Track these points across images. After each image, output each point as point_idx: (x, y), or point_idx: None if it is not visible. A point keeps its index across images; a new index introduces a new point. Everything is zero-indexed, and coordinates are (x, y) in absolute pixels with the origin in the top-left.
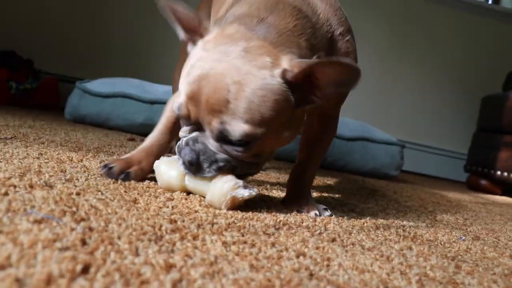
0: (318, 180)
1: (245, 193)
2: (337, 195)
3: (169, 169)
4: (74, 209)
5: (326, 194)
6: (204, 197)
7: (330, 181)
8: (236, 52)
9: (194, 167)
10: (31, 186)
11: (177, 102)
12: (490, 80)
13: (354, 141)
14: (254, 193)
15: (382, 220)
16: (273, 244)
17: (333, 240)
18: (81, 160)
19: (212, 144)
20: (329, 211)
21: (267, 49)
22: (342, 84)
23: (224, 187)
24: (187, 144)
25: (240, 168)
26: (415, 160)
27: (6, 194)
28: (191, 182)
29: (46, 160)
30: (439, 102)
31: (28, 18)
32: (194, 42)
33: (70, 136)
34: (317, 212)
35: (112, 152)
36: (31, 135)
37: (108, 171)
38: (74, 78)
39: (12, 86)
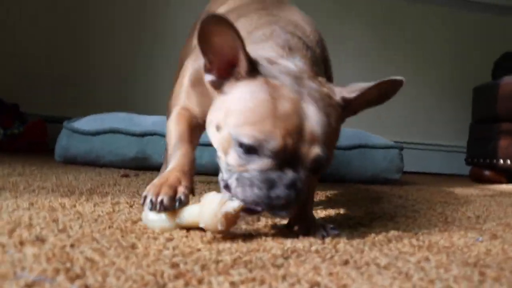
0: (320, 195)
1: (234, 204)
2: (341, 209)
3: (151, 213)
4: (68, 264)
5: (330, 209)
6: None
7: (332, 194)
8: (307, 86)
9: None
10: (22, 243)
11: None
12: (479, 71)
13: (351, 149)
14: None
15: (392, 230)
16: (283, 277)
17: (346, 262)
18: (74, 206)
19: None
20: (336, 229)
21: (319, 80)
22: (382, 98)
23: (212, 207)
24: (291, 185)
25: None
26: (415, 160)
27: None
28: (181, 218)
29: (37, 210)
30: (431, 99)
31: (10, 63)
32: (233, 74)
33: (62, 180)
34: (324, 233)
35: (106, 192)
36: (21, 184)
37: (161, 205)
38: (61, 118)
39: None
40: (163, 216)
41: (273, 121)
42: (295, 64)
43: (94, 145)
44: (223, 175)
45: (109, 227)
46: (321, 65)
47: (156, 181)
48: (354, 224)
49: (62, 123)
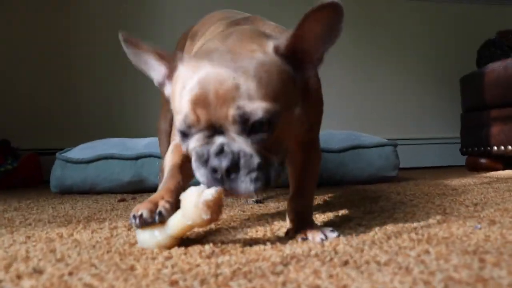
0: (318, 199)
1: (211, 190)
2: (340, 211)
3: (143, 233)
4: None
5: (330, 213)
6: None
7: (330, 197)
8: (224, 51)
9: (231, 176)
10: (19, 277)
11: (179, 115)
12: (464, 61)
13: (345, 151)
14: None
15: (391, 227)
16: (283, 284)
17: (346, 263)
18: (72, 234)
19: (242, 143)
20: (335, 231)
21: (248, 41)
22: (330, 31)
23: (191, 200)
24: (219, 151)
25: (271, 171)
26: (410, 156)
27: None
28: (170, 227)
29: (34, 243)
30: (420, 93)
31: None
32: (171, 77)
33: (58, 210)
34: (323, 237)
35: (104, 218)
36: (17, 218)
37: (141, 219)
38: (54, 150)
39: None
40: (154, 232)
41: (182, 100)
42: (221, 42)
43: (89, 173)
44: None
45: (108, 252)
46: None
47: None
48: (354, 225)
49: (55, 154)
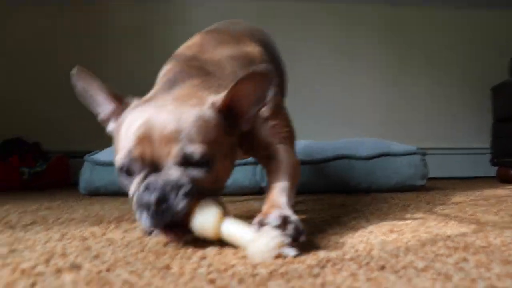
0: (348, 207)
1: (290, 252)
2: (371, 218)
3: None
4: (107, 287)
5: (360, 219)
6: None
7: (360, 205)
8: (168, 101)
9: (162, 208)
10: (59, 271)
11: (123, 150)
12: (494, 69)
13: (373, 159)
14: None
15: (425, 234)
16: (323, 286)
17: (383, 267)
18: (104, 234)
19: (174, 173)
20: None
21: (190, 95)
22: (257, 95)
23: (269, 244)
24: (146, 188)
25: (203, 193)
26: (438, 166)
27: (34, 284)
28: (227, 231)
29: (69, 240)
30: (450, 102)
31: (29, 103)
32: (116, 116)
33: (89, 211)
34: (278, 219)
35: (133, 219)
36: (50, 217)
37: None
38: (83, 152)
39: (24, 172)
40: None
41: (128, 139)
42: (171, 90)
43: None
44: None
45: (141, 251)
46: (220, 86)
47: None
48: (386, 232)
49: (83, 157)
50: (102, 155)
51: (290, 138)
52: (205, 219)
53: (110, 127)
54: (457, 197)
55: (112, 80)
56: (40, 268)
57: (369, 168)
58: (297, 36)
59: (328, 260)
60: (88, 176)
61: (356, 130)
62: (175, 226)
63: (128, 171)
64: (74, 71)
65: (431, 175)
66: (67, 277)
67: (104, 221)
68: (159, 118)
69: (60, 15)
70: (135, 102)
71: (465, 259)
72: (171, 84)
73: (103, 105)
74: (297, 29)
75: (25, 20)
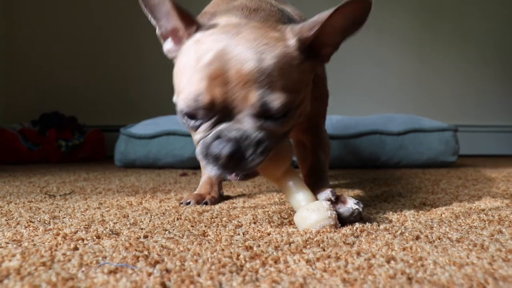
0: (379, 181)
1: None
2: (403, 192)
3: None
4: (146, 252)
5: (392, 192)
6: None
7: (391, 180)
8: (248, 28)
9: (234, 161)
10: (98, 237)
11: (189, 92)
12: None
13: (404, 134)
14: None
15: (458, 208)
16: (358, 253)
17: (417, 237)
18: (141, 203)
19: (250, 125)
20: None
21: (272, 27)
22: (353, 24)
23: (321, 221)
24: (217, 137)
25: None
26: (470, 143)
27: (76, 248)
28: (289, 185)
29: (107, 209)
30: (482, 78)
31: (65, 78)
32: (181, 39)
33: (125, 182)
34: (353, 204)
35: (169, 189)
36: (88, 187)
37: (187, 206)
38: (117, 126)
39: (61, 145)
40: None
41: (197, 76)
42: (245, 18)
43: (152, 149)
44: None
45: (178, 219)
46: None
47: (195, 192)
48: (419, 204)
49: (118, 131)
50: (137, 128)
51: (325, 115)
52: (272, 162)
53: (168, 46)
54: (489, 173)
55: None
56: (80, 234)
57: (400, 143)
58: (322, 7)
59: (362, 230)
60: (123, 148)
61: (387, 106)
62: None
63: (192, 117)
64: None
65: (462, 152)
66: (107, 242)
67: (140, 192)
68: (236, 52)
69: None
70: (206, 25)
71: (500, 232)
72: (251, 12)
73: (167, 18)
74: (324, 2)
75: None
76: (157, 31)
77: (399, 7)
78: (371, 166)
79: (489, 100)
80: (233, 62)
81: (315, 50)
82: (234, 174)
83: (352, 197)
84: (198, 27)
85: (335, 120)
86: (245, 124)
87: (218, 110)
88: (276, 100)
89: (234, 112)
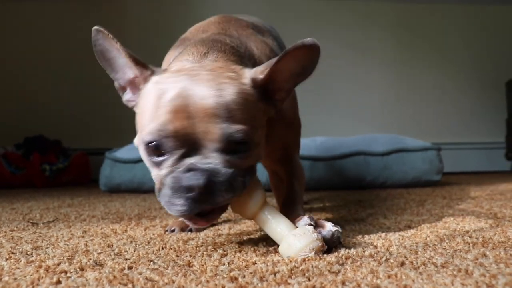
0: (365, 203)
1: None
2: (388, 214)
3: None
4: (130, 286)
5: (377, 215)
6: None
7: (376, 201)
8: (202, 72)
9: (207, 194)
10: (82, 269)
11: (154, 123)
12: (508, 64)
13: (388, 154)
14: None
15: (443, 230)
16: (343, 283)
17: (402, 264)
18: (126, 231)
19: (217, 160)
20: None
21: (225, 68)
22: (304, 69)
23: (306, 247)
24: (189, 170)
25: (243, 181)
26: (453, 160)
27: (58, 282)
28: (265, 218)
29: (91, 238)
30: (464, 97)
31: (50, 102)
32: (138, 86)
33: (110, 208)
34: (331, 227)
35: (154, 216)
36: (72, 214)
37: (172, 234)
38: (103, 149)
39: (46, 169)
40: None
41: (160, 110)
42: (202, 61)
43: (137, 173)
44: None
45: (163, 248)
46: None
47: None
48: (404, 228)
49: (103, 154)
50: (122, 153)
51: (298, 144)
52: (247, 199)
53: (127, 96)
54: (473, 192)
55: None
56: (63, 266)
57: (385, 163)
58: (309, 32)
59: (347, 257)
60: (108, 172)
61: (370, 126)
62: (208, 212)
63: (157, 149)
64: (95, 28)
65: (445, 170)
66: (91, 275)
67: (125, 218)
68: (196, 90)
69: (82, 11)
70: (161, 70)
71: (484, 255)
72: (202, 56)
73: (123, 70)
74: (309, 25)
75: (45, 18)
76: (116, 84)
77: (378, 27)
78: (357, 187)
79: (469, 117)
80: (194, 98)
81: (269, 95)
82: (199, 220)
83: (337, 220)
84: (153, 72)
85: (319, 141)
86: (213, 159)
87: (184, 142)
88: (237, 130)
89: (199, 146)
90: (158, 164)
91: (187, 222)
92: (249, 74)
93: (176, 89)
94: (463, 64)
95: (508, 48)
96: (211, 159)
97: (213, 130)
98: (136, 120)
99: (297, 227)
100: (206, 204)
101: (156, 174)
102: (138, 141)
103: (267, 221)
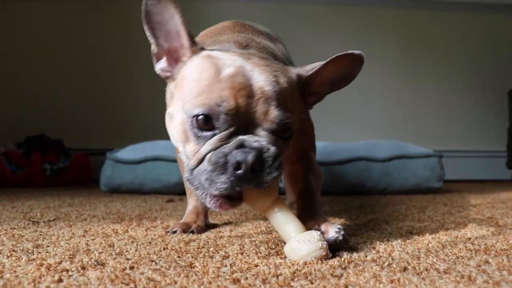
0: (365, 208)
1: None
2: (389, 220)
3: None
4: (132, 285)
5: (378, 221)
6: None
7: (377, 206)
8: (255, 58)
9: (255, 171)
10: (83, 268)
11: (213, 98)
12: (510, 73)
13: (390, 161)
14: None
15: (445, 237)
16: (346, 287)
17: (405, 269)
18: (127, 231)
19: (268, 139)
20: (342, 231)
21: (271, 60)
22: (344, 78)
23: (312, 253)
24: (240, 146)
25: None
26: (454, 168)
27: (60, 280)
28: (276, 215)
29: (92, 237)
30: (466, 105)
31: (52, 101)
32: (178, 58)
33: (110, 208)
34: (337, 230)
35: (155, 217)
36: (73, 214)
37: (174, 235)
38: (104, 149)
39: (46, 168)
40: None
41: (219, 85)
42: (248, 51)
43: (138, 174)
44: (187, 176)
45: (164, 249)
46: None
47: (182, 220)
48: (406, 233)
49: (104, 154)
50: (123, 153)
51: (314, 146)
52: (261, 192)
53: (162, 65)
54: (474, 200)
55: (134, 78)
56: (65, 265)
57: (386, 169)
58: (312, 39)
59: (350, 261)
60: (109, 173)
61: (372, 132)
62: (231, 196)
63: (207, 122)
64: None
65: (447, 177)
66: (92, 274)
67: (126, 219)
68: (256, 72)
69: (84, 11)
70: (210, 48)
71: (487, 262)
72: (243, 47)
73: (168, 37)
74: (312, 31)
75: (46, 18)
76: (153, 49)
77: (380, 33)
78: (358, 192)
79: (471, 125)
80: (254, 78)
81: (304, 96)
82: (225, 204)
83: (339, 225)
84: (202, 47)
85: (321, 146)
86: (263, 138)
87: (238, 121)
88: (288, 117)
89: (253, 125)
90: (201, 138)
91: (209, 205)
92: (294, 71)
93: (235, 67)
94: (465, 71)
95: (511, 57)
96: (261, 138)
97: (270, 112)
98: (175, 86)
99: (306, 229)
100: (250, 182)
101: (192, 149)
102: (177, 112)
103: (278, 219)
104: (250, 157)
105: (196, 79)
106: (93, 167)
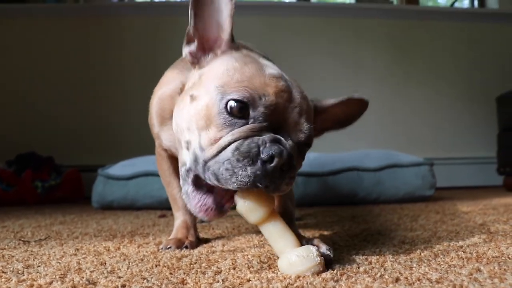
0: (358, 218)
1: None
2: (381, 229)
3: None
4: None
5: (370, 230)
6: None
7: (369, 216)
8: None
9: (282, 172)
10: (75, 287)
11: (257, 88)
12: (500, 79)
13: (381, 170)
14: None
15: (437, 245)
16: None
17: (397, 279)
18: (119, 248)
19: (294, 149)
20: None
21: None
22: (347, 120)
23: (306, 267)
24: (276, 141)
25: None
26: (445, 175)
27: None
28: (270, 228)
29: (83, 255)
30: (456, 112)
31: (43, 118)
32: (210, 48)
33: (102, 225)
34: (325, 250)
35: (147, 233)
36: (64, 232)
37: (167, 251)
38: (95, 166)
39: (38, 186)
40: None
41: (263, 79)
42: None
43: (129, 190)
44: (189, 168)
45: (156, 266)
46: None
47: (172, 236)
48: (398, 243)
49: (96, 171)
50: (114, 169)
51: None
52: (258, 205)
53: (191, 48)
54: (466, 207)
55: (125, 95)
56: (56, 285)
57: (378, 179)
58: (303, 50)
59: (342, 274)
60: (101, 189)
61: (363, 142)
62: (219, 204)
63: (242, 110)
64: None
65: (438, 184)
66: None
67: (118, 236)
68: (293, 84)
69: (78, 28)
70: (243, 44)
71: (478, 270)
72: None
73: (210, 24)
74: (302, 41)
75: (39, 34)
76: (190, 30)
77: (370, 44)
78: (350, 202)
79: (461, 132)
80: (294, 88)
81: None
82: (211, 212)
83: (330, 236)
84: (239, 46)
85: (312, 157)
86: (292, 146)
87: (273, 119)
88: (312, 135)
89: (281, 130)
90: (228, 125)
91: (195, 213)
92: (311, 99)
93: (277, 71)
94: (454, 79)
95: (498, 64)
96: (291, 146)
97: (301, 122)
98: (193, 79)
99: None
100: (271, 182)
101: (212, 136)
102: (205, 94)
103: (273, 232)
104: (285, 153)
105: (237, 69)
106: (85, 184)
